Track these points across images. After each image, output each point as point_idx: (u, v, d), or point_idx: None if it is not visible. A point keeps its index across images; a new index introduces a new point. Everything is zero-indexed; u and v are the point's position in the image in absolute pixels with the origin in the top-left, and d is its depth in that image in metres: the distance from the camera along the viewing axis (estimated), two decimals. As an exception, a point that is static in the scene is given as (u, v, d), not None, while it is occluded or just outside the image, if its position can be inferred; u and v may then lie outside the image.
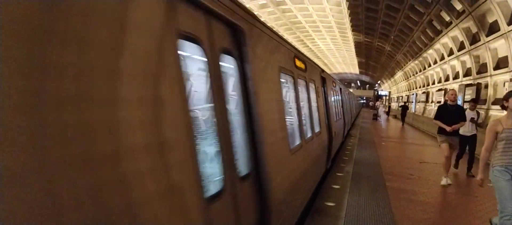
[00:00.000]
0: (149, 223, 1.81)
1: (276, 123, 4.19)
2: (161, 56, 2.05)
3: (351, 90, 52.56)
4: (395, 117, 43.61)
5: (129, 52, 1.78)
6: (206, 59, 2.69)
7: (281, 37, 5.16)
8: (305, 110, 6.66)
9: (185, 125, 2.22)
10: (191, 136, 2.25)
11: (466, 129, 10.38)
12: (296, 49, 6.24)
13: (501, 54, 17.55)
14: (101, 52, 1.61)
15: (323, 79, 9.73)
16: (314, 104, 7.49)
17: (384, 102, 59.14)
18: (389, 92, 66.94)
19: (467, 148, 10.99)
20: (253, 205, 3.29)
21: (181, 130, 2.17)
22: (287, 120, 4.85)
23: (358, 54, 54.99)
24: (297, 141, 5.51)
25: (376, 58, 51.16)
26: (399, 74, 49.16)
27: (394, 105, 57.88)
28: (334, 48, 52.67)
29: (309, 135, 6.54)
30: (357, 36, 41.78)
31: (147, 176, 1.83)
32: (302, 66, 6.48)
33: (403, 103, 40.09)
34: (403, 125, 31.80)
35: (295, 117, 5.75)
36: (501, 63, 17.53)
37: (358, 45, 46.27)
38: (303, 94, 6.56)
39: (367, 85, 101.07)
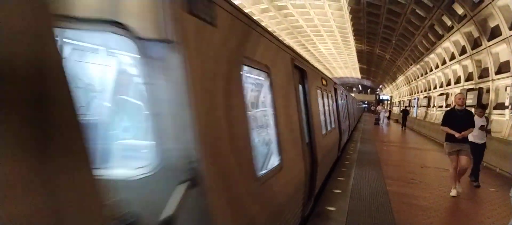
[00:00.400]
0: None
1: (317, 119, 7.29)
2: (291, 91, 5.14)
3: (352, 94, 52.75)
4: (397, 121, 43.57)
5: (283, 88, 4.66)
6: (298, 89, 5.73)
7: (316, 68, 8.99)
8: (326, 112, 9.14)
9: (298, 120, 5.23)
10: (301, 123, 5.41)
11: (477, 136, 9.83)
12: (322, 73, 9.95)
13: (502, 58, 17.55)
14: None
15: (335, 90, 12.58)
16: (330, 108, 10.13)
17: (385, 107, 58.75)
18: (391, 96, 66.95)
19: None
20: (309, 156, 5.88)
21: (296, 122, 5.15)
22: (320, 117, 7.81)
23: (360, 60, 55.46)
24: (324, 131, 8.33)
25: (377, 63, 51.24)
26: (400, 79, 49.17)
27: (395, 109, 57.83)
28: (336, 53, 52.73)
29: (329, 128, 9.28)
30: (359, 44, 41.96)
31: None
32: (325, 82, 9.58)
33: (404, 108, 40.40)
34: (404, 129, 32.05)
35: (323, 116, 8.39)
36: (502, 68, 17.53)
37: (360, 52, 46.71)
38: (325, 101, 9.11)
39: (369, 90, 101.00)
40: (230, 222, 2.63)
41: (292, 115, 5.14)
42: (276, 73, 4.37)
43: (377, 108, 50.89)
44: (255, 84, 4.60)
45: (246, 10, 20.15)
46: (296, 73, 5.71)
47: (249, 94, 4.45)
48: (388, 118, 44.39)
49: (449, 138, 8.38)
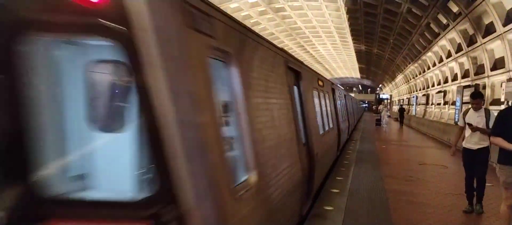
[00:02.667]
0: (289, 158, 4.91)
1: (314, 120, 7.33)
2: (285, 90, 5.35)
3: (352, 94, 53.06)
4: (396, 119, 43.75)
5: (278, 90, 4.97)
6: (293, 90, 5.90)
7: (311, 69, 9.22)
8: (323, 113, 9.11)
9: (293, 121, 5.54)
10: (297, 124, 5.72)
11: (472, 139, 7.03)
12: (318, 74, 10.27)
13: (497, 55, 17.70)
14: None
15: (333, 90, 12.63)
16: (328, 109, 10.14)
17: (387, 106, 58.30)
18: (390, 95, 67.05)
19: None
20: (306, 157, 6.07)
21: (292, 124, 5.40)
22: (317, 118, 7.92)
23: (359, 60, 55.85)
24: (322, 131, 8.34)
25: (376, 62, 51.45)
26: (399, 78, 49.32)
27: (394, 108, 58.00)
28: (335, 53, 52.85)
29: (326, 128, 9.21)
30: (358, 45, 42.30)
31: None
32: (321, 83, 9.69)
33: (400, 106, 42.63)
34: (402, 126, 33.67)
35: (320, 116, 8.44)
36: (498, 64, 17.67)
37: (358, 52, 47.05)
38: (322, 102, 9.11)
39: (369, 89, 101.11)
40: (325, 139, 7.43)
41: (332, 109, 7.88)
42: (269, 75, 4.54)
43: (378, 108, 49.83)
44: (322, 96, 7.44)
45: (243, 13, 20.44)
46: (290, 75, 5.83)
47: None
48: (389, 116, 44.47)
49: (507, 157, 5.26)
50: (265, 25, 34.83)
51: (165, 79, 2.26)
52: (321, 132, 8.26)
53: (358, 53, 48.43)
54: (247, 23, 32.87)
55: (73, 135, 2.66)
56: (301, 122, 6.17)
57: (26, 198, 2.24)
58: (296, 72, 6.32)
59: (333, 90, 12.63)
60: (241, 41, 3.66)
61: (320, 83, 9.50)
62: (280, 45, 32.06)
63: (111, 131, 2.67)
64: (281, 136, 4.67)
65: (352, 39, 40.66)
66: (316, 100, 8.27)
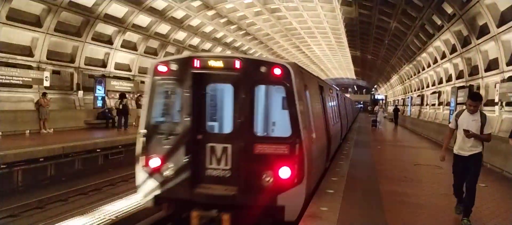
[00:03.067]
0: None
1: (329, 114, 11.20)
2: (319, 98, 9.75)
3: (348, 95, 54.14)
4: (391, 120, 43.86)
5: (318, 98, 9.49)
6: (320, 97, 10.03)
7: (329, 83, 15.63)
8: (334, 110, 13.13)
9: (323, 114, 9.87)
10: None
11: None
12: (331, 85, 14.28)
13: (491, 56, 17.81)
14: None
15: (337, 95, 15.47)
16: (336, 108, 14.23)
17: (384, 106, 58.03)
18: (386, 96, 67.24)
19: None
20: (327, 134, 9.93)
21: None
22: (331, 113, 11.87)
23: (354, 61, 56.53)
24: (333, 122, 12.05)
25: (371, 63, 51.63)
26: (394, 78, 49.46)
27: (389, 108, 58.16)
28: (330, 54, 52.95)
29: (336, 120, 13.12)
30: (353, 47, 42.76)
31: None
32: (331, 91, 13.38)
33: (394, 106, 43.51)
34: (396, 126, 34.15)
35: (332, 112, 12.27)
36: (492, 65, 17.78)
37: (354, 53, 47.56)
38: (333, 103, 12.83)
39: (364, 90, 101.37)
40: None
41: (321, 111, 9.54)
42: (316, 90, 9.33)
43: (374, 109, 48.13)
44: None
45: (239, 14, 20.98)
46: (319, 89, 10.00)
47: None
48: (385, 117, 44.59)
49: None
50: (260, 26, 34.84)
51: (297, 97, 6.53)
52: (332, 123, 11.73)
53: (354, 54, 50.08)
54: (243, 24, 32.92)
55: (264, 114, 7.38)
56: (324, 115, 9.78)
57: (250, 136, 6.56)
58: (321, 87, 10.15)
59: (337, 95, 16.05)
60: (309, 78, 8.57)
61: (330, 91, 13.43)
62: (275, 46, 32.46)
63: (282, 113, 7.15)
64: (322, 122, 9.27)
65: (348, 46, 40.94)
66: (330, 103, 12.19)
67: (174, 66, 6.72)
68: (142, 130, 6.73)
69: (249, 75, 6.56)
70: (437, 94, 28.39)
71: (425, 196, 8.26)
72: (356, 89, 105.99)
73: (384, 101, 65.92)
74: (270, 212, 6.47)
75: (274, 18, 32.91)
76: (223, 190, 6.53)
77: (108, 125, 20.77)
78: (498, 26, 15.74)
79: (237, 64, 6.59)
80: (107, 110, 21.44)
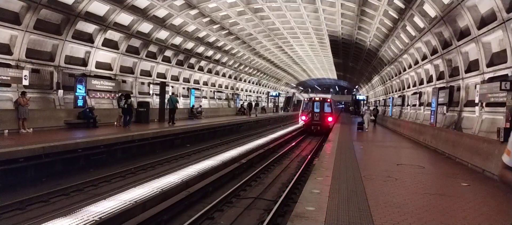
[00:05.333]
0: None
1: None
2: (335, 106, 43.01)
3: (329, 95, 63.87)
4: (372, 121, 44.49)
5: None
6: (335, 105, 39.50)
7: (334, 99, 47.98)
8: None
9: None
10: None
11: None
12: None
13: (472, 57, 18.10)
14: None
15: (335, 102, 29.57)
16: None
17: (370, 107, 58.25)
18: (367, 96, 67.90)
19: None
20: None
21: None
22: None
23: (337, 68, 59.67)
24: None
25: (352, 69, 52.54)
26: (376, 79, 49.97)
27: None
28: (313, 55, 53.19)
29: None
30: (337, 59, 45.30)
31: None
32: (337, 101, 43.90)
33: (375, 107, 46.57)
34: (375, 125, 35.76)
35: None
36: (472, 66, 18.07)
37: (337, 62, 51.00)
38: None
39: (346, 90, 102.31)
40: None
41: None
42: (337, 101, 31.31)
43: (361, 110, 46.32)
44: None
45: (222, 13, 20.63)
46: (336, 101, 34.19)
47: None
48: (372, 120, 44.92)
49: None
50: (243, 26, 34.78)
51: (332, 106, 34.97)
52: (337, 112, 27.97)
53: (337, 64, 57.03)
54: (225, 23, 32.83)
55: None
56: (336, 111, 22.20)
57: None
58: (334, 101, 15.56)
59: (336, 103, 21.92)
60: (334, 100, 31.34)
61: (336, 103, 20.16)
62: (258, 46, 33.02)
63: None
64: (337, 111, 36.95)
65: (332, 53, 42.02)
66: (335, 107, 23.70)
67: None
68: None
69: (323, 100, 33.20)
70: (418, 95, 28.76)
71: (409, 195, 8.34)
72: (338, 89, 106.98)
73: (365, 102, 66.52)
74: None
75: (257, 18, 32.90)
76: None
77: (89, 124, 20.44)
78: (479, 28, 16.00)
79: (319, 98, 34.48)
80: (88, 110, 21.11)
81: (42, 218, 8.40)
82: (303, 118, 34.37)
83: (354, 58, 45.84)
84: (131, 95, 24.80)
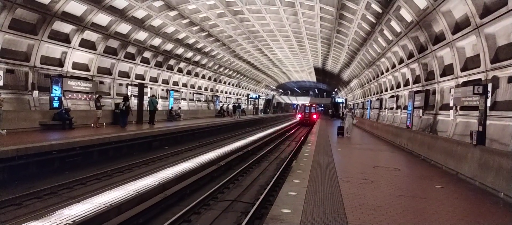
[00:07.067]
0: None
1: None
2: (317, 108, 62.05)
3: (308, 98, 73.11)
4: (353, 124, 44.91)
5: None
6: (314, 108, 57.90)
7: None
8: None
9: None
10: None
11: None
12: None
13: (447, 62, 18.47)
14: None
15: (319, 105, 34.83)
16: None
17: (354, 111, 58.71)
18: (346, 99, 68.56)
19: None
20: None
21: None
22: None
23: (316, 72, 64.26)
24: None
25: (331, 73, 53.20)
26: (354, 82, 50.53)
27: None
28: (292, 57, 53.49)
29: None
30: (316, 62, 45.60)
31: None
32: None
33: (349, 109, 47.67)
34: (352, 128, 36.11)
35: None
36: (447, 71, 18.44)
37: (316, 66, 52.68)
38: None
39: (325, 93, 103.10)
40: None
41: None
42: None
43: (343, 113, 45.98)
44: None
45: (201, 15, 20.39)
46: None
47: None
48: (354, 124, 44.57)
49: None
50: (223, 28, 34.72)
51: (316, 109, 51.77)
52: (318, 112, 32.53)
53: (316, 69, 62.29)
54: (205, 25, 32.72)
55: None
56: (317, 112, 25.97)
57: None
58: (319, 105, 16.36)
59: (317, 105, 26.13)
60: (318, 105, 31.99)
61: (316, 105, 27.12)
62: (238, 48, 32.90)
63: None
64: (318, 112, 51.72)
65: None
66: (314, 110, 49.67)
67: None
68: None
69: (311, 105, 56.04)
70: (395, 98, 29.18)
71: (384, 197, 8.43)
72: (317, 92, 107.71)
73: (343, 105, 67.13)
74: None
75: (237, 20, 32.89)
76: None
77: (65, 126, 20.06)
78: (453, 33, 16.34)
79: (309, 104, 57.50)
80: (63, 111, 20.73)
81: (14, 222, 8.21)
82: (299, 115, 58.79)
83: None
84: (108, 97, 24.44)
